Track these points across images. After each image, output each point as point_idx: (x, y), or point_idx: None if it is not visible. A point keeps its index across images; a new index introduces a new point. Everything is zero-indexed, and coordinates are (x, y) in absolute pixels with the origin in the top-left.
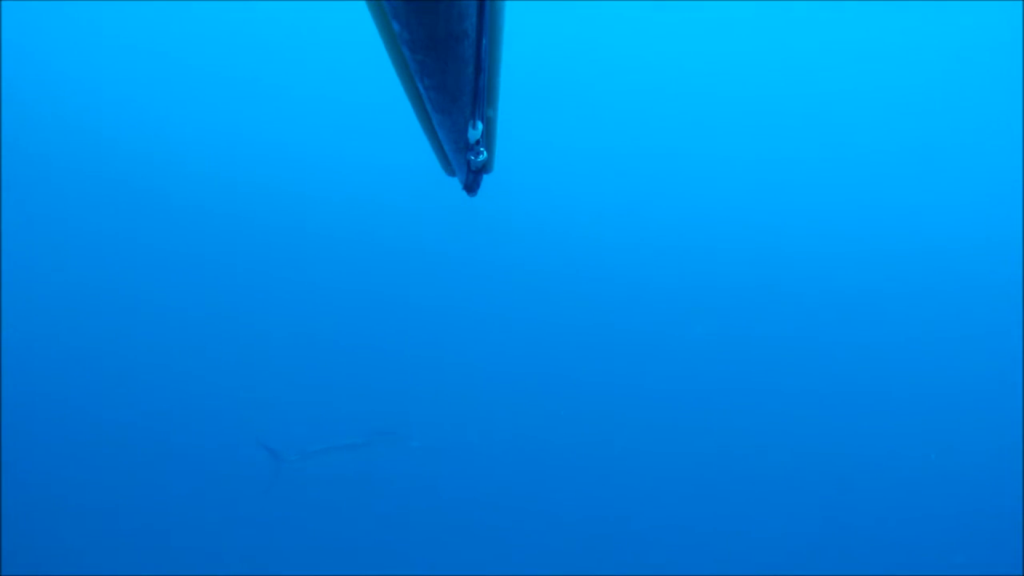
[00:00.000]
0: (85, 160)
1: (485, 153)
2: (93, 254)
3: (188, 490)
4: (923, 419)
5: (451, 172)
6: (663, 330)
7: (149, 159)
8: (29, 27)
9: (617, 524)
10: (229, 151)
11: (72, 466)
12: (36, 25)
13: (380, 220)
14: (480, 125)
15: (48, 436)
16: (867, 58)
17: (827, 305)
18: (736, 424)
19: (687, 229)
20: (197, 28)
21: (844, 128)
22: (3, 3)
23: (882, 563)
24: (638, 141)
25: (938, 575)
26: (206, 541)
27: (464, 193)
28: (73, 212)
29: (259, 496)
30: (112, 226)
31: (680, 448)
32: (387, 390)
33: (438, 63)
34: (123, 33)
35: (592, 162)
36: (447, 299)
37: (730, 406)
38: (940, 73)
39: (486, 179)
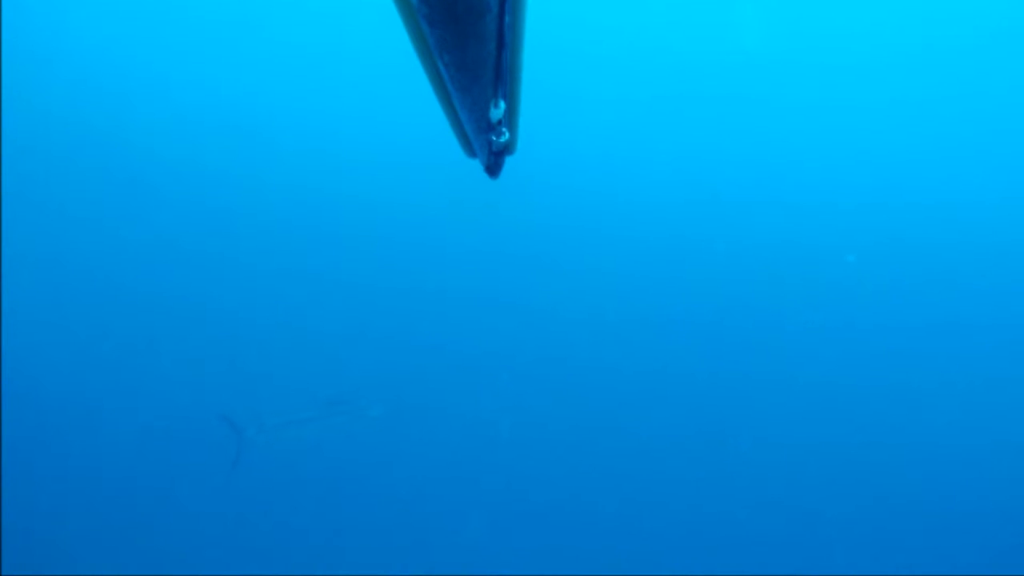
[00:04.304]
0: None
1: (507, 133)
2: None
3: (169, 473)
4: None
5: (472, 153)
6: (677, 322)
7: (156, 137)
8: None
9: (595, 511)
10: (237, 128)
11: (65, 462)
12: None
13: (396, 204)
14: (503, 104)
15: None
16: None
17: (864, 301)
18: (758, 418)
19: (719, 214)
20: (209, 5)
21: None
22: None
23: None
24: (673, 122)
25: (941, 574)
26: (190, 528)
27: (486, 175)
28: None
29: (228, 473)
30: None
31: (676, 444)
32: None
33: (458, 38)
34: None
35: (623, 144)
36: (459, 288)
37: (753, 401)
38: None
39: (509, 160)
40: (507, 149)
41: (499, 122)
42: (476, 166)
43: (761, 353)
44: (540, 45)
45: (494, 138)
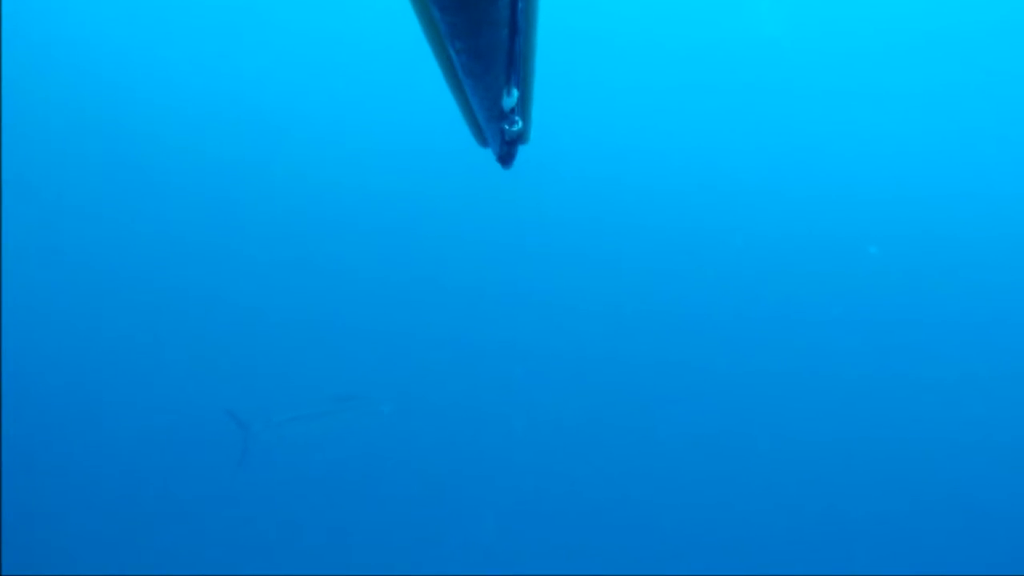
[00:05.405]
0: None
1: (520, 122)
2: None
3: (172, 470)
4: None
5: (484, 142)
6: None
7: (162, 129)
8: None
9: (607, 504)
10: (245, 119)
11: (66, 460)
12: None
13: (407, 195)
14: (515, 92)
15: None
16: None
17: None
18: (778, 414)
19: (738, 206)
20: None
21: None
22: None
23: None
24: (690, 112)
25: (943, 574)
26: (193, 525)
27: (498, 165)
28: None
29: (233, 470)
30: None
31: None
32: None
33: (470, 25)
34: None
35: (639, 133)
36: (471, 281)
37: (773, 396)
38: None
39: (522, 150)
40: (520, 138)
41: (512, 110)
42: (488, 156)
43: (781, 347)
44: (554, 32)
45: (507, 127)
